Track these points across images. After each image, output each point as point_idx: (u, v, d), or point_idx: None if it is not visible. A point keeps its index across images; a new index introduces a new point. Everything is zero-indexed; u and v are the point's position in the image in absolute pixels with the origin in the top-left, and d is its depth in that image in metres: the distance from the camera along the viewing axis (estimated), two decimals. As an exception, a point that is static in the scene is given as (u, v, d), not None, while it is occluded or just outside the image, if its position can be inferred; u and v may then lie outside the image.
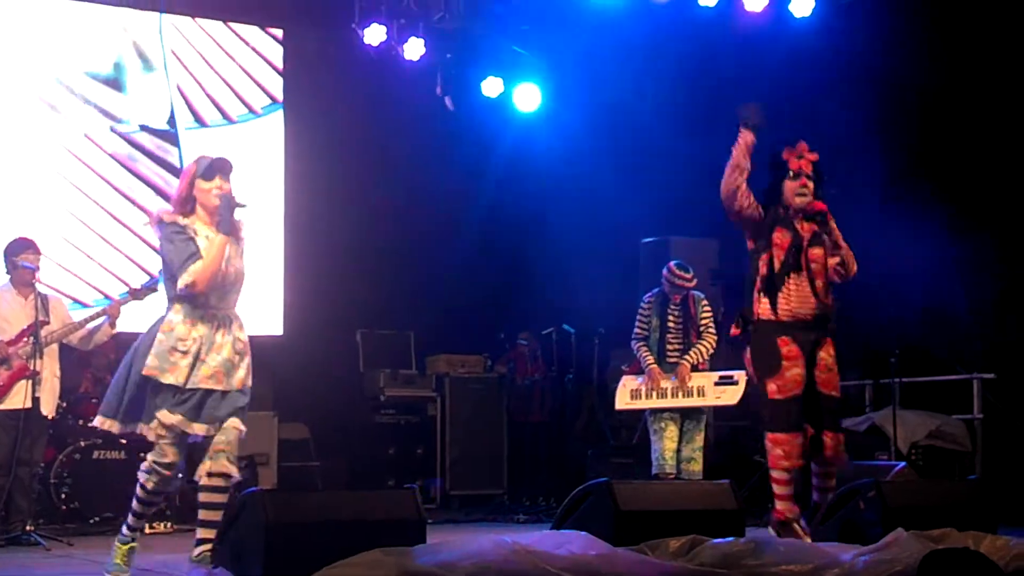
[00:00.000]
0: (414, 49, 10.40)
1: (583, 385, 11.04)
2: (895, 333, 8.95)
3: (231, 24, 11.26)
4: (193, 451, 5.80)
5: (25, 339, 7.89)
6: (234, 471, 5.75)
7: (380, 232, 11.38)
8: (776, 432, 6.38)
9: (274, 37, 11.43)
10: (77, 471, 8.89)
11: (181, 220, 5.69)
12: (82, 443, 8.95)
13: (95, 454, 8.98)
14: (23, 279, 8.00)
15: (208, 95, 11.13)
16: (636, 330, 8.58)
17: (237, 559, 5.14)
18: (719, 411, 9.18)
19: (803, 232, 6.57)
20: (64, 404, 8.71)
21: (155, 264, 9.29)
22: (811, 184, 6.57)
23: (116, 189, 10.64)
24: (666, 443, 8.29)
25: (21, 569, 6.54)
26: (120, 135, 10.72)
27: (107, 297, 10.16)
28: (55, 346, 8.08)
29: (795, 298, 6.51)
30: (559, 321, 10.88)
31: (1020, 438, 10.03)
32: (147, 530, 8.76)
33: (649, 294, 8.61)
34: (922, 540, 5.00)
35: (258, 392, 10.18)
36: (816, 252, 6.56)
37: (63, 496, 8.79)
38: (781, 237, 6.56)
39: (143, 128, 10.81)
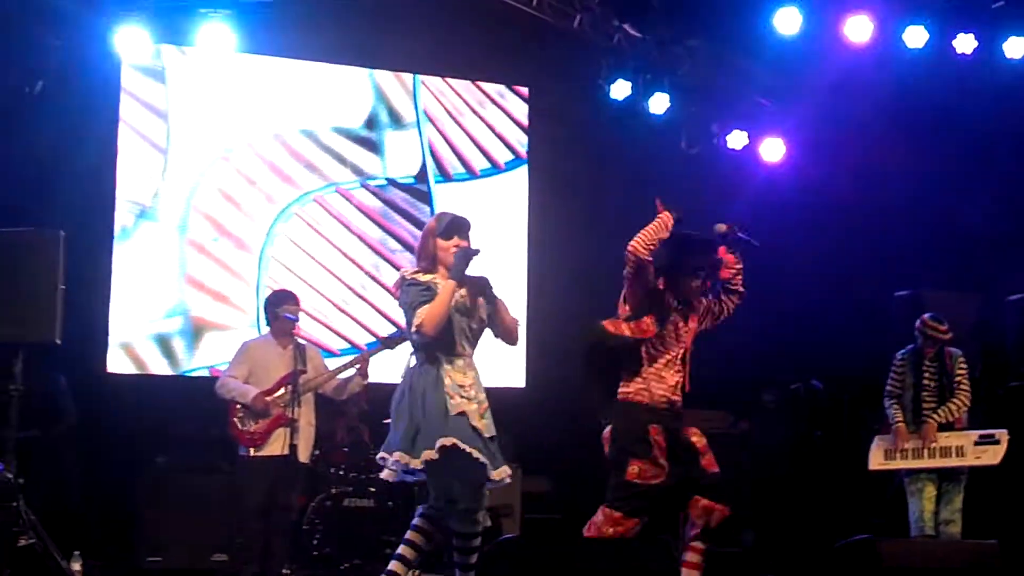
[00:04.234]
0: (659, 103, 10.44)
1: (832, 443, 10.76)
2: None
3: (479, 83, 11.51)
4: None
5: (284, 388, 8.13)
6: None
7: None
8: (617, 511, 6.28)
9: (520, 95, 11.63)
10: (329, 518, 9.11)
11: (421, 277, 5.90)
12: (333, 490, 9.17)
13: (345, 502, 9.18)
14: (284, 329, 8.26)
15: (455, 150, 11.39)
16: (888, 387, 8.36)
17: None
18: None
19: (690, 329, 6.47)
20: (318, 452, 8.89)
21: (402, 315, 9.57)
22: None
23: (365, 241, 10.96)
24: (924, 504, 8.04)
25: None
26: (371, 190, 11.05)
27: (354, 346, 10.46)
28: (311, 395, 8.29)
29: (664, 387, 6.40)
30: (807, 376, 10.66)
31: None
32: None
33: (903, 351, 8.37)
34: None
35: (502, 443, 10.37)
36: (693, 349, 6.46)
37: (315, 542, 9.01)
38: (648, 325, 6.38)
39: (391, 182, 11.12)
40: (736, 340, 11.24)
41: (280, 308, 8.25)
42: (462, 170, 11.39)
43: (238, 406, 8.10)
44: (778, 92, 10.55)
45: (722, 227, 6.51)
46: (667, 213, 6.42)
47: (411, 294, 5.87)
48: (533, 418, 10.78)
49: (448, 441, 5.71)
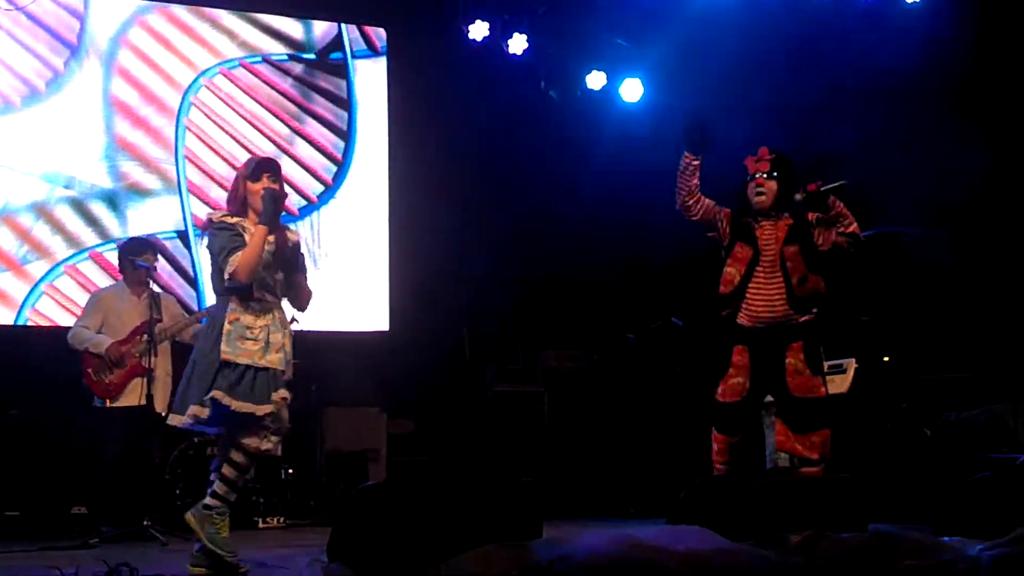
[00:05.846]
0: (518, 44, 10.41)
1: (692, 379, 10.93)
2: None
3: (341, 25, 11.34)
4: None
5: (138, 337, 8.00)
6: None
7: (485, 226, 11.37)
8: (714, 431, 6.84)
9: (370, 42, 11.45)
10: (190, 467, 9.00)
11: (229, 219, 5.85)
12: (195, 439, 9.06)
13: (208, 450, 9.07)
14: (138, 278, 8.12)
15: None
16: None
17: (353, 553, 5.15)
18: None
19: (776, 233, 6.73)
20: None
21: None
22: (770, 183, 6.76)
23: (276, 114, 10.83)
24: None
25: (141, 561, 6.63)
26: (275, 64, 10.92)
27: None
28: (167, 344, 8.19)
29: (760, 303, 6.68)
30: (667, 315, 10.79)
31: None
32: (260, 524, 8.89)
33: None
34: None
35: (366, 388, 10.34)
36: (791, 250, 6.69)
37: (177, 491, 8.90)
38: (742, 251, 6.76)
39: (293, 58, 11.01)
40: (598, 280, 11.40)
41: (136, 257, 8.11)
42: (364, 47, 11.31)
43: (92, 357, 7.96)
44: (636, 32, 10.56)
45: (799, 196, 6.69)
46: (686, 155, 6.86)
47: (223, 239, 5.80)
48: (397, 361, 10.77)
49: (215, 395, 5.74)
